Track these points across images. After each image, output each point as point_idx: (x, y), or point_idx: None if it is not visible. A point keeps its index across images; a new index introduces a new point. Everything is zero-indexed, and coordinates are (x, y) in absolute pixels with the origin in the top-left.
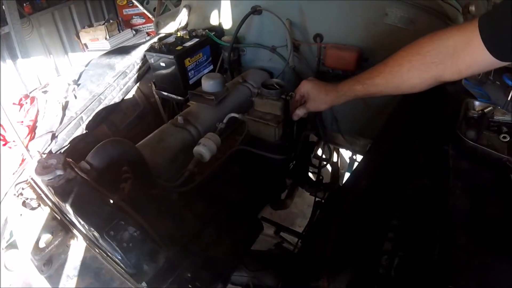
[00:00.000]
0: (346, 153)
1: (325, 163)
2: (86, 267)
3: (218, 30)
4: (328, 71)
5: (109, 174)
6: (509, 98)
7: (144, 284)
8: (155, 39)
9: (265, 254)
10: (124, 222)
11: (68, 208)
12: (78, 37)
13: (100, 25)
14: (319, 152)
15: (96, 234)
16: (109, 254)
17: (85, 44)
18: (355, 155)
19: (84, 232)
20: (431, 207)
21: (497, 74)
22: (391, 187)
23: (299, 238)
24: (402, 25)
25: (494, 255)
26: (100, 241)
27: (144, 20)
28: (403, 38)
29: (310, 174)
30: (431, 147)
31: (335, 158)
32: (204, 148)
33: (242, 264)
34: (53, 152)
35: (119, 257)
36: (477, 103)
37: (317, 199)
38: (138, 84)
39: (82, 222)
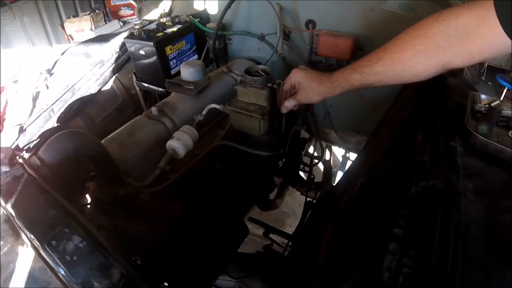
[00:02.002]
0: (338, 151)
1: (316, 161)
2: (34, 280)
3: (204, 17)
4: (321, 61)
5: (74, 170)
6: (501, 98)
7: None
8: (137, 27)
9: (253, 258)
10: (68, 230)
11: (10, 210)
12: (63, 28)
13: (85, 15)
14: (311, 149)
15: (37, 243)
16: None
17: (70, 35)
18: (348, 153)
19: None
20: (440, 213)
21: (490, 74)
22: (392, 187)
23: (289, 240)
24: (401, 12)
25: None
26: (41, 252)
27: (132, 11)
28: (402, 25)
29: (301, 173)
30: (436, 143)
31: (327, 156)
32: (178, 143)
33: (226, 271)
34: (21, 146)
35: (63, 273)
36: (483, 96)
37: (308, 199)
38: (117, 74)
39: (23, 228)
